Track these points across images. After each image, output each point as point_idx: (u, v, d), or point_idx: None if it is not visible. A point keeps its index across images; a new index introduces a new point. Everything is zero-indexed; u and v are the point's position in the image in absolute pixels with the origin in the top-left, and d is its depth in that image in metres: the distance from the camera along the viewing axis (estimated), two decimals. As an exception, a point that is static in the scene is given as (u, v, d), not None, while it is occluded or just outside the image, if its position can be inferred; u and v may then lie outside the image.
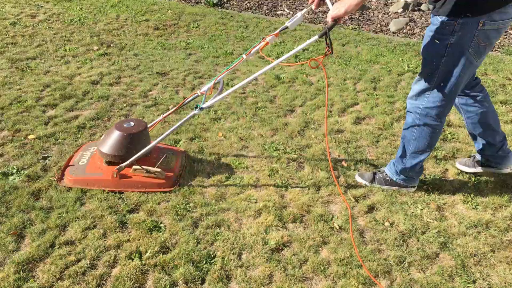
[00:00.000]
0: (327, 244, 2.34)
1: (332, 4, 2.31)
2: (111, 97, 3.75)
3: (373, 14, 6.49)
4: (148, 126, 2.85)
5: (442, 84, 2.33)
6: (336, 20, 2.22)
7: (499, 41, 5.44)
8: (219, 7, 6.63)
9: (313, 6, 2.57)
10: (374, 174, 2.82)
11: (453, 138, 3.30)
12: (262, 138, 3.24)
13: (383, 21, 6.19)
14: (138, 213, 2.50)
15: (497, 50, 5.20)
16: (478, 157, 2.86)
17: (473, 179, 2.85)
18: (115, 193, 2.60)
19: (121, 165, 2.62)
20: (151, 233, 2.34)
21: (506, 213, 2.54)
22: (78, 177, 2.65)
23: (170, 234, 2.34)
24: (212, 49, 4.94)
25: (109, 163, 2.68)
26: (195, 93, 2.76)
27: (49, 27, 5.40)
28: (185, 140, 3.19)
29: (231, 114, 3.58)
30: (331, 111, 3.67)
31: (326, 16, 2.11)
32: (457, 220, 2.50)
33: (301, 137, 3.28)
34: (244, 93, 3.97)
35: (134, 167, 2.63)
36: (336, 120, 3.53)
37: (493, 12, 2.11)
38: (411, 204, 2.62)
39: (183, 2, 6.92)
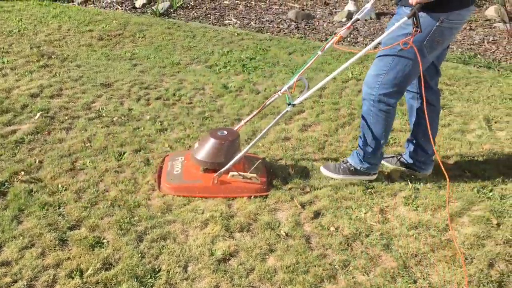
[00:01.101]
0: (274, 251, 2.34)
1: None
2: (52, 110, 3.62)
3: (318, 23, 6.63)
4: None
5: (395, 71, 2.49)
6: (420, 4, 2.28)
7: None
8: (166, 17, 6.58)
9: None
10: (339, 165, 2.91)
11: (394, 143, 3.41)
12: (209, 148, 3.22)
13: (328, 30, 6.33)
14: (79, 229, 2.42)
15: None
16: (405, 159, 3.01)
17: (412, 183, 2.94)
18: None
19: (220, 171, 2.71)
20: (93, 250, 2.27)
21: (445, 214, 2.64)
22: (178, 184, 2.74)
23: (113, 250, 2.28)
24: (158, 59, 4.89)
25: (206, 170, 2.77)
26: (275, 94, 2.88)
27: (-15, 39, 5.17)
28: (130, 152, 3.12)
29: (178, 125, 3.54)
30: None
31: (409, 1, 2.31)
32: (399, 222, 2.58)
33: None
34: (191, 103, 3.94)
35: (231, 173, 2.74)
36: (282, 128, 3.56)
37: (452, 12, 2.33)
38: (355, 208, 2.68)
39: (129, 12, 6.81)
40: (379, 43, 2.51)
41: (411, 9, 2.31)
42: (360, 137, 2.81)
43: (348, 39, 5.98)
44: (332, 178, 2.92)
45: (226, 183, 2.75)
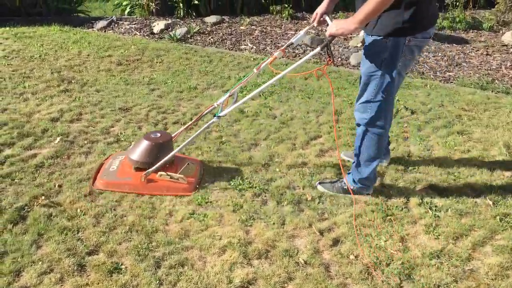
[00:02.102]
0: (292, 280, 2.31)
1: (331, 21, 2.61)
2: (71, 134, 3.67)
3: (333, 48, 6.67)
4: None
5: (380, 95, 2.67)
6: (333, 37, 2.53)
7: (454, 73, 5.67)
8: (183, 42, 6.68)
9: (315, 24, 2.95)
10: (335, 182, 3.05)
11: (413, 169, 3.37)
12: (226, 173, 3.22)
13: (344, 55, 6.37)
14: (97, 254, 2.41)
15: (452, 82, 5.41)
16: None
17: (432, 210, 2.89)
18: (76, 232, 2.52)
19: (148, 170, 2.93)
20: (111, 276, 2.26)
21: (467, 242, 2.59)
22: (110, 180, 2.96)
23: (131, 276, 2.27)
24: (175, 84, 4.94)
25: (137, 169, 2.98)
26: (212, 105, 3.12)
27: (8, 64, 5.29)
28: (147, 177, 3.14)
29: (195, 149, 3.56)
30: (294, 144, 3.70)
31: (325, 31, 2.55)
32: (420, 251, 2.53)
33: (266, 171, 3.28)
34: (208, 127, 3.95)
35: (160, 173, 2.95)
36: (299, 153, 3.55)
37: (418, 32, 2.52)
38: (375, 236, 2.64)
39: (147, 37, 6.94)
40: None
41: (324, 41, 2.56)
42: (354, 160, 2.95)
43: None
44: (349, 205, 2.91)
45: (154, 181, 2.95)
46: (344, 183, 2.99)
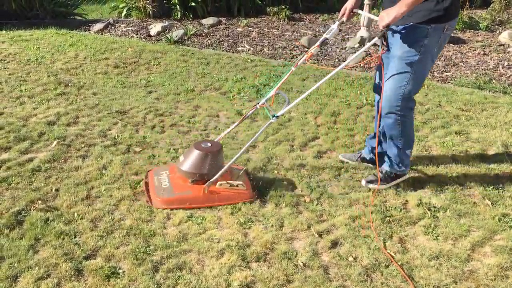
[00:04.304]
0: (291, 282, 2.30)
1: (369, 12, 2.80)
2: (68, 137, 3.65)
3: (331, 49, 6.67)
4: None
5: (414, 80, 2.76)
6: (388, 26, 2.61)
7: (451, 73, 5.67)
8: (180, 44, 6.67)
9: (344, 19, 3.03)
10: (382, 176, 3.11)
11: (412, 169, 3.36)
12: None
13: (341, 55, 6.36)
14: (95, 259, 2.40)
15: (450, 82, 5.40)
16: (366, 155, 3.34)
17: (431, 211, 2.89)
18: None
19: (210, 181, 2.83)
20: (109, 280, 2.24)
21: (466, 243, 2.58)
22: (169, 197, 2.83)
23: (129, 280, 2.25)
24: (173, 86, 4.93)
25: (194, 181, 2.87)
26: (254, 107, 3.08)
27: (4, 68, 5.27)
28: (145, 180, 3.12)
29: (193, 152, 3.54)
30: (292, 146, 3.69)
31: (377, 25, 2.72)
32: (419, 252, 2.52)
33: (264, 173, 3.26)
34: (205, 129, 3.95)
35: (219, 182, 2.86)
36: (298, 155, 3.54)
37: (452, 20, 2.69)
38: (374, 237, 2.63)
39: (144, 40, 6.93)
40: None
41: (381, 31, 2.65)
42: (390, 147, 3.03)
43: (361, 64, 6.00)
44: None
45: (216, 192, 2.86)
46: (387, 171, 3.08)
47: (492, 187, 3.13)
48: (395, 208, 2.90)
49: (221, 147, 3.00)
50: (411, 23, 2.68)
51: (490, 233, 2.67)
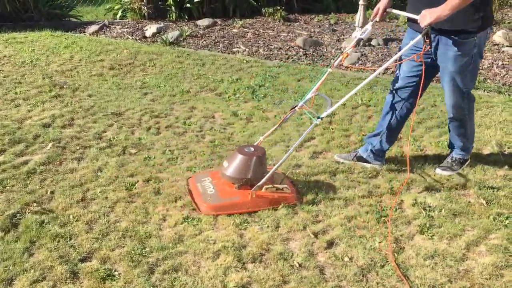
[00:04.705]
0: (287, 283, 2.30)
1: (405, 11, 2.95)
2: (63, 140, 3.65)
3: (326, 49, 6.68)
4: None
5: (471, 81, 3.01)
6: (430, 24, 2.70)
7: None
8: (175, 45, 6.67)
9: (377, 18, 3.11)
10: (451, 162, 3.33)
11: (407, 170, 3.36)
12: (220, 177, 3.21)
13: (336, 56, 6.37)
14: (91, 261, 2.40)
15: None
16: (363, 153, 3.38)
17: (426, 210, 2.90)
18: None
19: (257, 185, 2.84)
20: (105, 283, 2.24)
21: (461, 242, 2.59)
22: (216, 204, 2.83)
23: (125, 282, 2.25)
24: (168, 88, 4.93)
25: (240, 186, 2.88)
26: (292, 110, 3.12)
27: (-1, 70, 5.26)
28: (141, 181, 3.12)
29: (188, 153, 3.54)
30: (288, 146, 3.69)
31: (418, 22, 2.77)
32: (415, 252, 2.52)
33: (259, 174, 3.26)
34: (201, 131, 3.95)
35: (265, 186, 2.86)
36: (293, 155, 3.55)
37: (492, 23, 2.93)
38: (369, 237, 2.64)
39: (139, 41, 6.93)
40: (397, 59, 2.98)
41: (425, 29, 2.73)
42: (459, 138, 3.26)
43: (357, 65, 6.01)
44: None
45: (263, 196, 2.87)
46: (458, 157, 3.32)
47: (487, 186, 3.14)
48: (391, 208, 2.91)
49: (264, 151, 3.00)
50: (457, 40, 2.80)
51: (485, 232, 2.68)
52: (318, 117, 2.91)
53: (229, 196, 2.87)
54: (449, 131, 3.33)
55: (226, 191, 2.90)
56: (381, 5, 3.10)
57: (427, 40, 2.78)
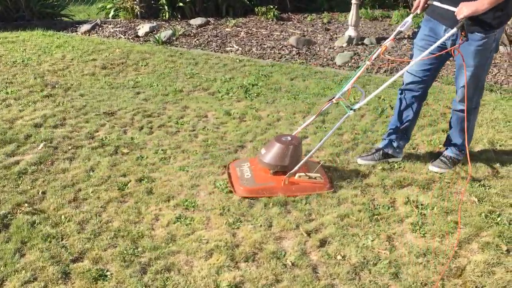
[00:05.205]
0: (280, 282, 2.30)
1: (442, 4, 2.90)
2: (55, 139, 3.62)
3: (319, 48, 6.69)
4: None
5: (484, 79, 3.11)
6: (466, 17, 2.73)
7: (440, 72, 5.70)
8: (168, 45, 6.65)
9: (418, 11, 3.06)
10: (444, 160, 3.36)
11: (399, 168, 3.38)
12: (213, 176, 3.20)
13: (329, 55, 6.38)
14: (82, 261, 2.38)
15: (436, 80, 5.44)
16: (388, 149, 3.40)
17: (418, 208, 2.90)
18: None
19: (290, 172, 2.99)
20: (96, 283, 2.23)
21: (453, 240, 2.60)
22: (252, 187, 2.99)
23: (117, 283, 2.24)
24: (161, 87, 4.91)
25: (275, 173, 3.03)
26: (329, 102, 3.17)
27: (-10, 69, 5.22)
28: (133, 181, 3.11)
29: (181, 153, 3.53)
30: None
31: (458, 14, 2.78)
32: (407, 250, 2.53)
33: (252, 173, 3.26)
34: (194, 130, 3.94)
35: (298, 174, 3.00)
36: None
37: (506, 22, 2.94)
38: (362, 235, 2.64)
39: (132, 40, 6.89)
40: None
41: (460, 22, 2.75)
42: (459, 134, 3.28)
43: (350, 63, 6.02)
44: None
45: (295, 183, 3.01)
46: (451, 156, 3.35)
47: (479, 184, 3.16)
48: (383, 206, 2.91)
49: (300, 141, 3.16)
50: (480, 35, 2.84)
51: (476, 230, 2.69)
52: (351, 109, 2.98)
53: (264, 181, 3.03)
54: (450, 127, 3.35)
55: (261, 176, 3.06)
56: None
57: (463, 33, 2.80)
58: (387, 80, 2.96)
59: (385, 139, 3.43)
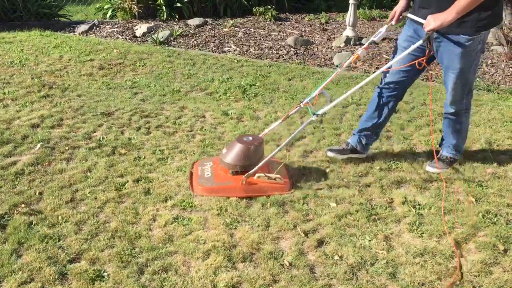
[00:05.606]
0: (278, 282, 2.30)
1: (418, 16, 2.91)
2: (52, 140, 3.62)
3: (317, 49, 6.69)
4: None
5: (472, 81, 3.06)
6: (433, 30, 2.74)
7: (436, 72, 5.72)
8: (166, 45, 6.64)
9: (393, 22, 3.14)
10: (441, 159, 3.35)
11: (397, 168, 3.38)
12: (210, 176, 3.20)
13: (327, 55, 6.38)
14: (79, 262, 2.38)
15: (434, 81, 5.45)
16: (356, 145, 3.39)
17: (416, 208, 2.91)
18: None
19: (248, 172, 2.96)
20: (94, 284, 2.23)
21: (450, 240, 2.60)
22: (210, 186, 2.99)
23: (114, 283, 2.24)
24: (159, 87, 4.91)
25: (234, 173, 3.01)
26: (297, 106, 3.19)
27: (-13, 70, 5.21)
28: (130, 181, 3.10)
29: (179, 153, 3.53)
30: (278, 145, 3.68)
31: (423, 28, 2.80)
32: (404, 250, 2.53)
33: (250, 173, 3.26)
34: (191, 130, 3.94)
35: (258, 174, 2.98)
36: (284, 154, 3.54)
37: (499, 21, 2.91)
38: (360, 235, 2.64)
39: (129, 41, 6.89)
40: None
41: (426, 34, 2.77)
42: (453, 135, 3.28)
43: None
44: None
45: (254, 183, 2.98)
46: (449, 156, 3.34)
47: (476, 184, 3.16)
48: (381, 206, 2.92)
49: (262, 141, 3.13)
50: (465, 37, 2.79)
51: (474, 229, 2.69)
52: (314, 114, 2.99)
53: (223, 180, 3.01)
54: (444, 128, 3.35)
55: (221, 176, 3.05)
56: (397, 9, 3.12)
57: (429, 46, 2.82)
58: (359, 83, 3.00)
59: (355, 135, 3.43)
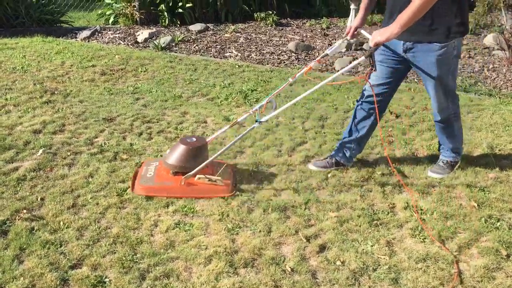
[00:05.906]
0: (279, 288, 2.29)
1: (369, 33, 2.86)
2: (54, 146, 3.62)
3: (318, 54, 6.70)
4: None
5: (453, 86, 3.07)
6: (377, 46, 2.74)
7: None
8: (168, 50, 6.66)
9: (348, 37, 3.18)
10: (441, 165, 3.36)
11: (399, 173, 3.38)
12: (212, 182, 3.20)
13: (328, 60, 6.39)
14: (81, 268, 2.37)
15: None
16: (340, 158, 3.36)
17: (418, 212, 2.90)
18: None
19: (187, 174, 2.97)
20: (95, 289, 2.22)
21: (453, 245, 2.60)
22: (149, 186, 3.00)
23: (116, 289, 2.23)
24: (160, 93, 4.92)
25: (175, 173, 3.03)
26: (247, 113, 3.22)
27: (-11, 76, 5.23)
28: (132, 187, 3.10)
29: (180, 158, 3.53)
30: (280, 151, 3.69)
31: (368, 42, 2.82)
32: (407, 255, 2.53)
33: (252, 178, 3.26)
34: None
35: (198, 176, 2.99)
36: (285, 160, 3.54)
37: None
38: (362, 241, 2.63)
39: (131, 46, 6.91)
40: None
41: (369, 49, 2.77)
42: (448, 140, 3.30)
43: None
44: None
45: (193, 185, 3.00)
46: (448, 160, 3.34)
47: (478, 188, 3.16)
48: (383, 211, 2.91)
49: (205, 142, 3.14)
50: (438, 45, 2.81)
51: (476, 234, 2.68)
52: (257, 121, 3.00)
53: (163, 180, 3.03)
54: (438, 134, 3.36)
55: (162, 176, 3.06)
56: (353, 24, 3.15)
57: (372, 62, 2.78)
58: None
59: (338, 148, 3.40)
